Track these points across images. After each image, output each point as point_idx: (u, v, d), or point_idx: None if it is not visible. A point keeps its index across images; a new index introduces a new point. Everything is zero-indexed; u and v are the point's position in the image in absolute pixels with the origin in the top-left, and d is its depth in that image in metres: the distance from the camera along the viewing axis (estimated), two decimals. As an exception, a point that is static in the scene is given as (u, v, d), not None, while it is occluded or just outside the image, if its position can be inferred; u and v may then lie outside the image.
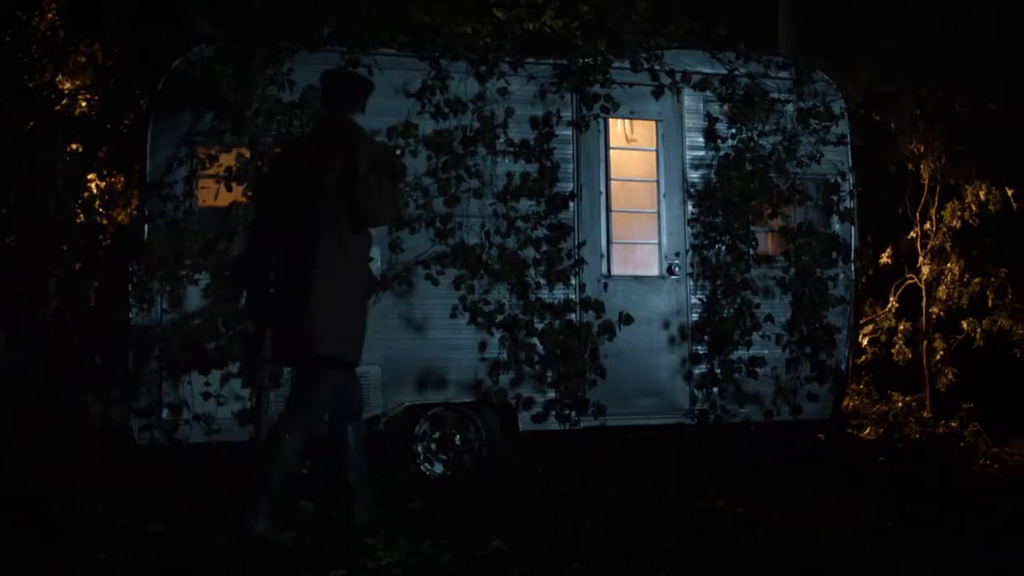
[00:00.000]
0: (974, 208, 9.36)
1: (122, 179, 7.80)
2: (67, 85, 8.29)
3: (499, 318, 7.33)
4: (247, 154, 6.33)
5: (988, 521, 5.84)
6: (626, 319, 7.51)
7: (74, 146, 7.27)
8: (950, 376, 9.49)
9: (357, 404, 5.43)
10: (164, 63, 6.87)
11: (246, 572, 4.68)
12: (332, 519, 5.79)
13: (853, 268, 8.25)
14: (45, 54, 7.74)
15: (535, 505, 6.25)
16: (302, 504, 5.99)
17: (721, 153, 7.96)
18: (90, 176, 7.85)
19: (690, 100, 7.96)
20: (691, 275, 7.84)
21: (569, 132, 7.62)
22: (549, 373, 7.39)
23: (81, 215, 7.41)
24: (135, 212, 7.15)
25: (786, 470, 7.39)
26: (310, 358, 5.07)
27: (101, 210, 7.50)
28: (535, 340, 7.35)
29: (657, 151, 7.87)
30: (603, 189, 7.69)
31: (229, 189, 6.32)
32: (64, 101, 7.76)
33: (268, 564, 4.77)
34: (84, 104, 8.18)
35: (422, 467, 7.26)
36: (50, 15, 7.99)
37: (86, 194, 7.42)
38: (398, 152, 7.05)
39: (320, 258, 4.99)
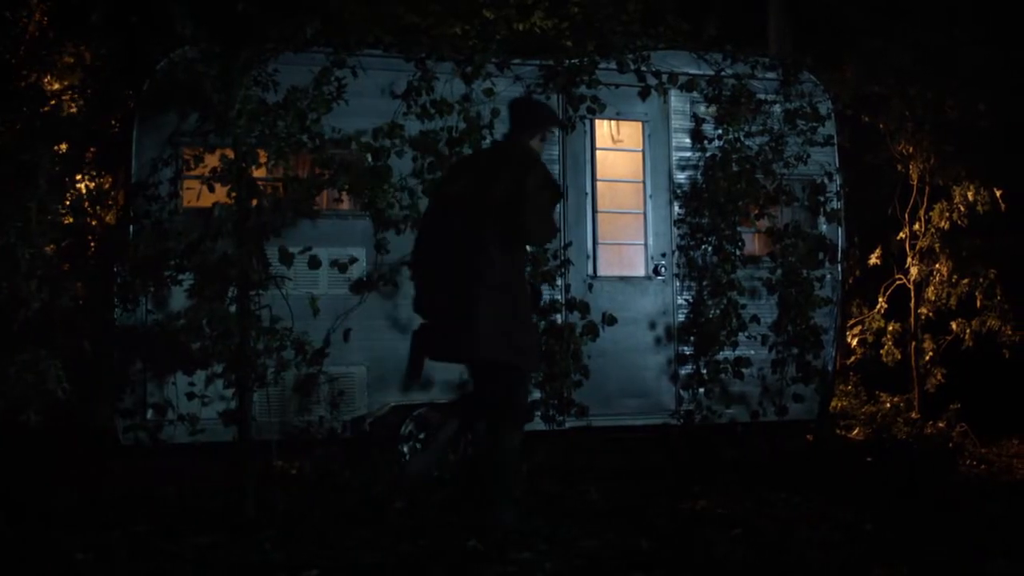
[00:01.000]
0: (962, 209, 9.37)
1: (110, 180, 7.81)
2: (56, 86, 8.30)
3: (484, 318, 7.32)
4: (231, 155, 6.33)
5: (968, 522, 5.84)
6: (609, 320, 7.52)
7: (62, 147, 7.27)
8: (939, 377, 9.50)
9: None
10: (149, 65, 6.89)
11: (222, 571, 4.69)
12: (314, 519, 5.81)
13: (840, 269, 8.27)
14: (32, 55, 7.75)
15: (518, 506, 6.25)
16: (283, 504, 6.00)
17: (708, 154, 7.98)
18: (79, 176, 7.88)
19: (677, 101, 7.97)
20: (677, 276, 7.85)
21: (555, 133, 7.62)
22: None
23: (70, 216, 7.43)
24: (121, 213, 7.16)
25: (772, 471, 7.39)
26: (477, 360, 5.30)
27: (91, 210, 7.53)
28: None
29: (643, 152, 7.89)
30: (589, 190, 7.70)
31: (212, 190, 6.33)
32: (52, 102, 7.76)
33: (244, 564, 4.78)
34: (73, 105, 8.19)
35: (408, 467, 7.26)
36: (38, 15, 8.00)
37: (73, 194, 7.44)
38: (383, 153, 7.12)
39: (488, 266, 5.16)
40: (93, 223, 7.70)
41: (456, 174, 5.65)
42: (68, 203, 7.35)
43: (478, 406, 5.44)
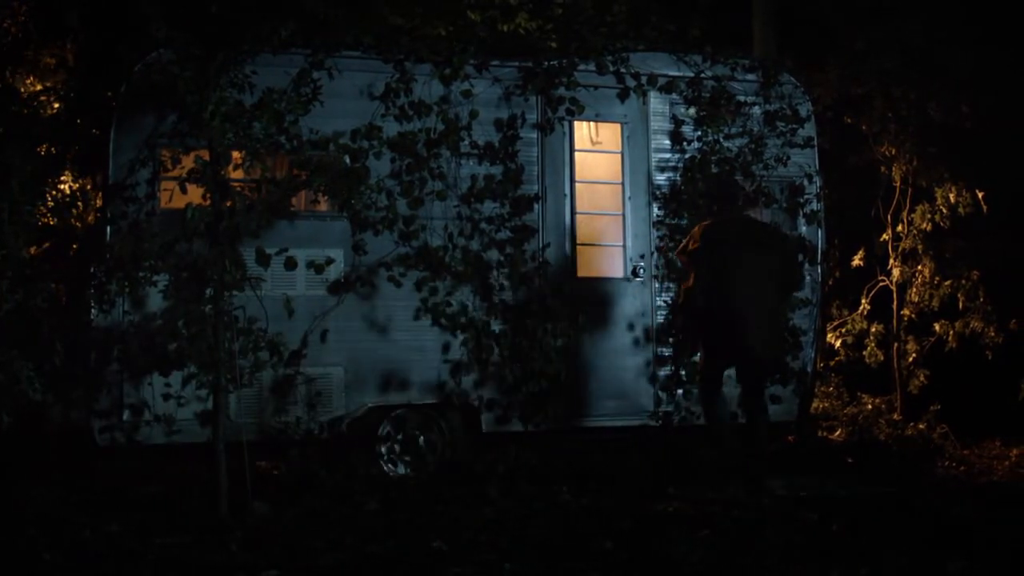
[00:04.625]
0: (945, 210, 9.36)
1: (90, 181, 7.84)
2: (38, 87, 8.32)
3: (462, 320, 7.35)
4: (206, 156, 6.34)
5: (936, 523, 5.85)
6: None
7: (39, 149, 7.28)
8: (922, 378, 9.49)
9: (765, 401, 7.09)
10: (127, 66, 6.91)
11: (184, 571, 4.71)
12: (287, 519, 5.85)
13: (819, 270, 8.25)
14: (14, 56, 7.78)
15: (491, 506, 6.29)
16: (256, 504, 6.04)
17: (687, 156, 7.97)
18: (63, 178, 7.90)
19: (656, 103, 7.97)
20: (656, 277, 7.84)
21: (534, 134, 7.63)
22: (511, 375, 7.40)
23: (50, 217, 7.45)
24: (99, 214, 7.18)
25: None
26: (752, 359, 6.86)
27: (73, 211, 7.55)
28: (494, 342, 7.37)
29: (622, 153, 7.88)
30: (568, 191, 7.71)
31: (184, 191, 6.35)
32: (33, 103, 7.77)
33: (207, 564, 4.81)
34: (57, 106, 8.21)
35: (385, 468, 7.28)
36: (20, 16, 8.02)
37: (55, 192, 7.46)
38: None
39: (763, 296, 6.85)
40: (77, 224, 7.73)
41: (724, 228, 7.00)
42: (50, 204, 7.38)
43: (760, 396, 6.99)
